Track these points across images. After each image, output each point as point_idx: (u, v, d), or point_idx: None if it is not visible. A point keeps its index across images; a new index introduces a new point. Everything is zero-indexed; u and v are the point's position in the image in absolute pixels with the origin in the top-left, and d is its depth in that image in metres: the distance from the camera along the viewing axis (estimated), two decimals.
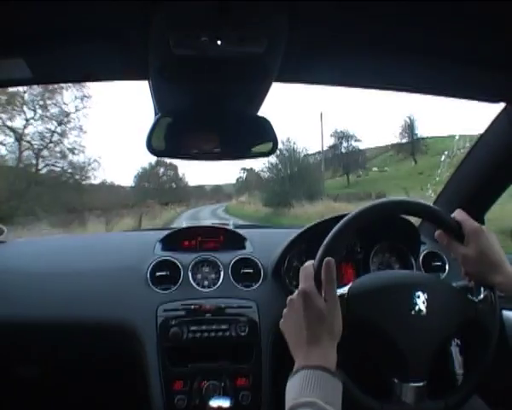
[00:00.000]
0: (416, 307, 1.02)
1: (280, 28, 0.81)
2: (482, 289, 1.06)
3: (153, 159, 37.15)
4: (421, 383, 1.01)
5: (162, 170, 36.02)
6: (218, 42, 0.81)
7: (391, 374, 1.05)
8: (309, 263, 0.92)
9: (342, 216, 1.13)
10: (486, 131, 1.44)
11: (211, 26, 0.79)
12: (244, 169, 37.71)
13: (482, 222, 1.67)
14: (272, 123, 1.14)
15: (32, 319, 1.43)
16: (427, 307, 1.02)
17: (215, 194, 47.39)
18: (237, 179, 39.60)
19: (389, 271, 1.51)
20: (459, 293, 1.08)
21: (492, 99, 1.27)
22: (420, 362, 1.02)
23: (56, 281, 1.51)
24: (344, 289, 1.04)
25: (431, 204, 1.12)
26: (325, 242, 1.07)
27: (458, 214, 1.04)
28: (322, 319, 0.81)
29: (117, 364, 1.59)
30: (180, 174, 38.69)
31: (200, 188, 50.81)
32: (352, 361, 1.10)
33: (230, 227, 1.78)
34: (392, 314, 1.02)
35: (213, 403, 0.95)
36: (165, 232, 1.70)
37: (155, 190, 32.85)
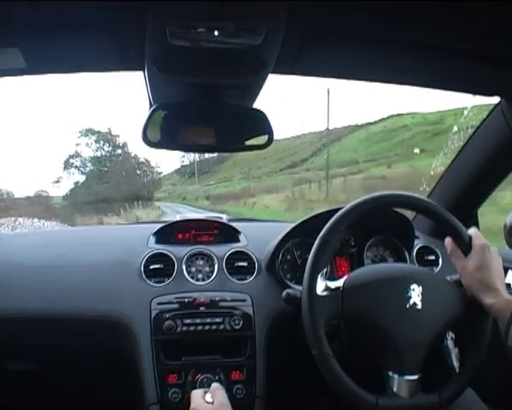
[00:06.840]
0: (411, 301, 1.03)
1: (278, 20, 0.81)
2: None
3: None
4: (415, 377, 1.02)
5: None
6: (216, 33, 0.81)
7: (386, 367, 1.06)
8: (197, 391, 1.02)
9: (336, 210, 1.13)
10: (481, 125, 1.44)
11: (209, 17, 0.78)
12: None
13: (476, 217, 1.68)
14: (268, 115, 1.13)
15: (24, 313, 1.42)
16: (421, 301, 1.03)
17: None
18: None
19: (384, 264, 1.52)
20: (453, 288, 1.09)
21: (487, 93, 1.28)
22: (414, 356, 1.03)
23: (48, 274, 1.49)
24: (339, 282, 1.05)
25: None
26: (320, 235, 1.08)
27: (472, 231, 1.08)
28: None
29: (111, 357, 1.58)
30: None
31: None
32: (347, 353, 1.11)
33: (224, 220, 1.78)
34: (387, 308, 1.03)
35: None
36: (159, 225, 1.69)
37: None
